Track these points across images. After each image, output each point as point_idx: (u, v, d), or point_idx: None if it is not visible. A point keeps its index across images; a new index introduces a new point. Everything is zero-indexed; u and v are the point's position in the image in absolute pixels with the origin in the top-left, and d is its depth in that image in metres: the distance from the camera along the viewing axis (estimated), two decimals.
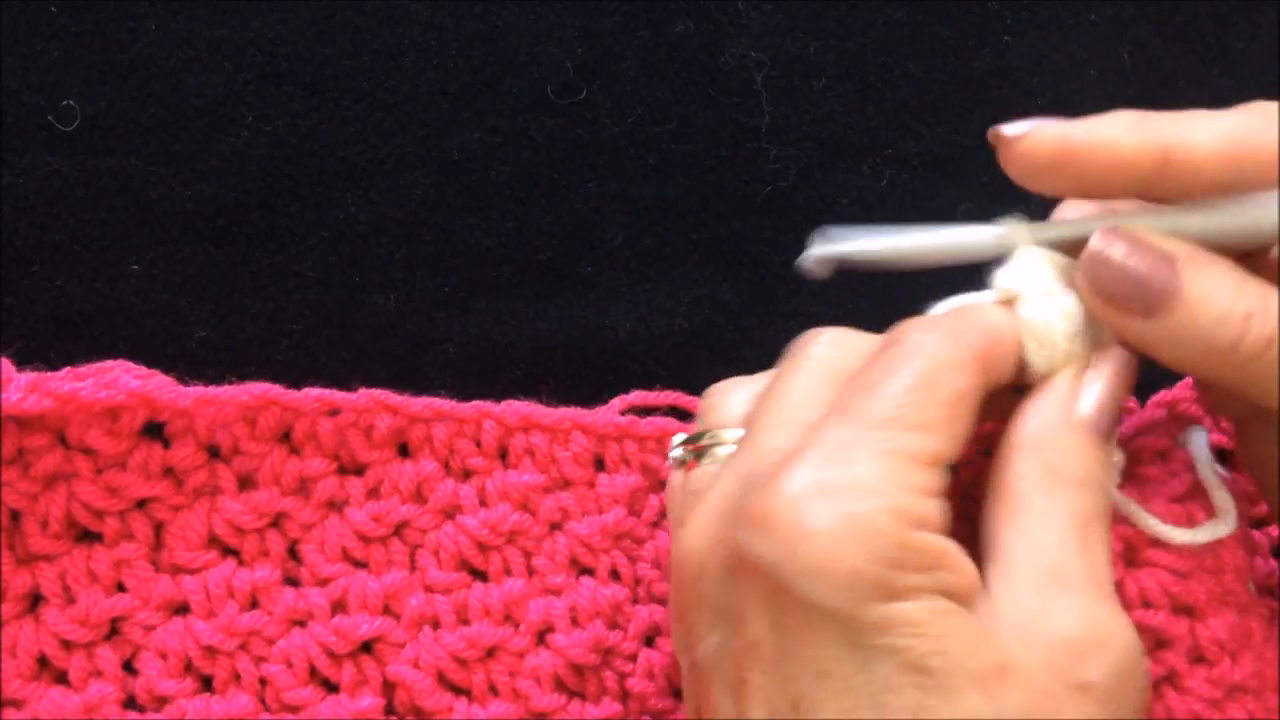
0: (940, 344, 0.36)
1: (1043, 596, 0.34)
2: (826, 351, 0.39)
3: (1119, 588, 0.41)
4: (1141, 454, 0.43)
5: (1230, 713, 0.41)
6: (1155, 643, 0.41)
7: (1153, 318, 0.36)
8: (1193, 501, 0.42)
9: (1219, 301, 0.36)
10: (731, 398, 0.42)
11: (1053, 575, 0.35)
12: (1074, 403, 0.38)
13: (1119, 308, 0.37)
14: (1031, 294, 0.38)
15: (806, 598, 0.33)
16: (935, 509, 0.35)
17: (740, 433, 0.40)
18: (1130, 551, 0.41)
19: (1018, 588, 0.35)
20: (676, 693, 0.46)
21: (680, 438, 0.42)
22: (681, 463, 0.42)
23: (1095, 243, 0.37)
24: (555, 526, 0.46)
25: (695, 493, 0.40)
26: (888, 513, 0.33)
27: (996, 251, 0.39)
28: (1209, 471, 0.42)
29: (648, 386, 0.49)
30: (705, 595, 0.36)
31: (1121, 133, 0.37)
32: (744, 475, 0.36)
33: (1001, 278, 0.39)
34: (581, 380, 0.49)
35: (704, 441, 0.41)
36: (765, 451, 0.37)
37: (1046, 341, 0.38)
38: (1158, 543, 0.41)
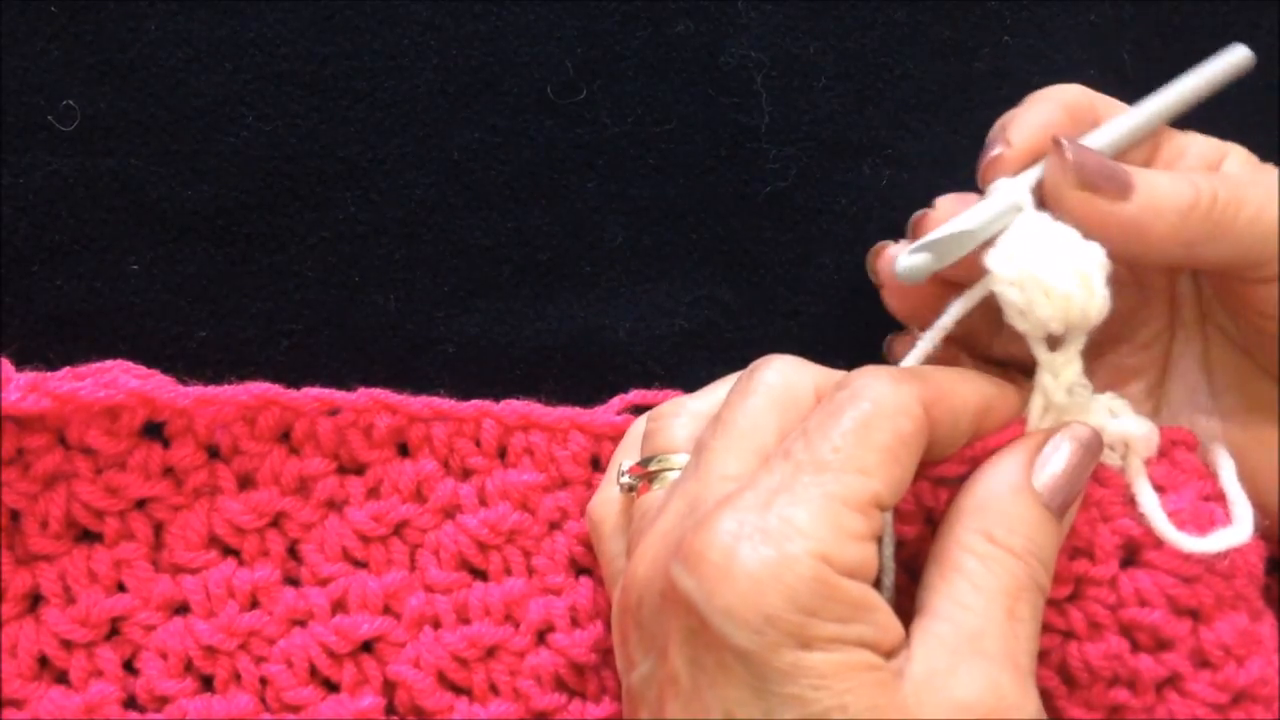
0: (883, 390, 0.37)
1: (954, 658, 0.35)
2: (776, 378, 0.39)
3: (1113, 585, 0.41)
4: (1188, 442, 0.43)
5: (1235, 718, 0.41)
6: (1155, 643, 0.41)
7: (1129, 196, 0.39)
8: (1219, 502, 0.42)
9: (1162, 176, 0.40)
10: (678, 421, 0.42)
11: (970, 639, 0.35)
12: (1030, 472, 0.38)
13: (1103, 192, 0.39)
14: (1038, 252, 0.39)
15: (723, 638, 0.34)
16: (865, 554, 0.35)
17: (687, 457, 0.41)
18: (1130, 550, 0.41)
19: (933, 646, 0.35)
20: None
21: (628, 464, 0.43)
22: (632, 488, 0.42)
23: (1066, 149, 0.40)
24: (554, 526, 0.46)
25: (644, 516, 0.40)
26: (813, 556, 0.34)
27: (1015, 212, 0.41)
28: (1230, 477, 0.42)
29: (647, 386, 0.49)
30: (642, 622, 0.37)
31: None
32: (692, 501, 0.37)
33: (1007, 248, 0.40)
34: (581, 380, 0.49)
35: (653, 467, 0.41)
36: (715, 479, 0.37)
37: (1062, 299, 0.39)
38: (1164, 544, 0.41)
